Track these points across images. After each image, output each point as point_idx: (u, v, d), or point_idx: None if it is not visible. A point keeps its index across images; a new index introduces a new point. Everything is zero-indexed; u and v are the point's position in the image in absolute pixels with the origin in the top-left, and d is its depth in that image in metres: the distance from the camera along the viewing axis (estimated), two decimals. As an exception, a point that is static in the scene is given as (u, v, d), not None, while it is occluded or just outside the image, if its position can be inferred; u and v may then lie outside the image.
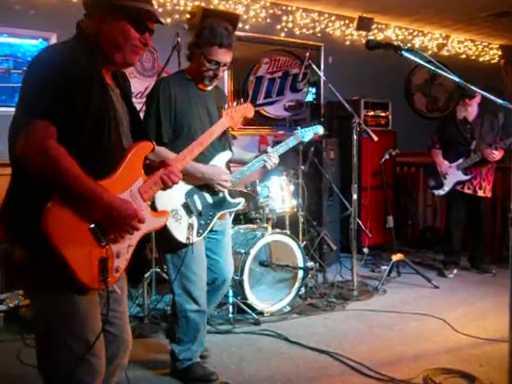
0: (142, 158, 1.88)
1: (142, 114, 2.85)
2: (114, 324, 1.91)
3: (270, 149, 3.10)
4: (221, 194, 2.94)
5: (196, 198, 2.88)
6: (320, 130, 3.43)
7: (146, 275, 4.32)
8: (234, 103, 2.74)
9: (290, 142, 3.26)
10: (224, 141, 2.97)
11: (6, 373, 3.15)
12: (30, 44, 4.52)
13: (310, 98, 6.59)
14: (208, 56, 2.76)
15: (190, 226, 2.81)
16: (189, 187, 2.85)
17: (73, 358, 1.68)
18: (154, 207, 2.59)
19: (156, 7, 5.17)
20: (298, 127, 3.39)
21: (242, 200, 3.11)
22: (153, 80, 4.00)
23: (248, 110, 2.55)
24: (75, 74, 1.65)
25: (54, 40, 4.55)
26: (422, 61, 2.33)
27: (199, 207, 2.87)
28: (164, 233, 2.76)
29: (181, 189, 2.81)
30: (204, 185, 2.88)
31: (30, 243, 1.64)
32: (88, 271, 1.65)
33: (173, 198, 2.79)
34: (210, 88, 2.92)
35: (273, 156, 3.06)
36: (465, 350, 3.43)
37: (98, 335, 1.71)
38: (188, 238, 2.79)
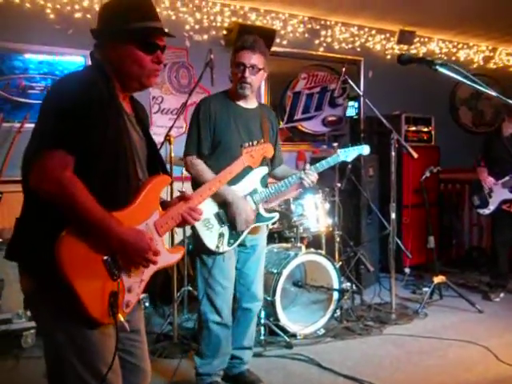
0: (160, 192, 1.83)
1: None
2: (133, 354, 1.86)
3: (307, 166, 3.05)
4: (254, 207, 2.93)
5: (228, 209, 2.88)
6: (366, 150, 3.31)
7: (178, 293, 4.28)
8: (255, 142, 2.78)
9: (331, 161, 3.17)
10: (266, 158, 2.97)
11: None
12: (69, 61, 4.61)
13: (351, 113, 6.47)
14: (235, 61, 2.90)
15: (221, 235, 2.86)
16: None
17: None
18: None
19: (192, 24, 5.20)
20: (341, 148, 3.26)
21: (276, 215, 3.10)
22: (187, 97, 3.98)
23: (268, 149, 2.56)
24: (93, 102, 1.61)
25: (91, 58, 4.62)
26: (459, 76, 2.19)
27: (231, 218, 2.88)
28: (196, 241, 2.89)
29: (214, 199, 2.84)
30: None
31: (40, 273, 1.60)
32: (98, 305, 1.60)
33: (206, 206, 2.80)
34: (246, 96, 2.95)
35: (311, 173, 2.99)
36: (509, 381, 3.22)
37: (110, 366, 1.64)
38: (218, 247, 2.85)
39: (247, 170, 2.78)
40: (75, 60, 4.62)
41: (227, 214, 2.88)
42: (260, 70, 2.90)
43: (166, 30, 1.82)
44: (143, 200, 1.74)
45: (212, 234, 2.86)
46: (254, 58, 2.86)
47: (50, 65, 4.53)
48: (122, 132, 1.71)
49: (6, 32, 4.33)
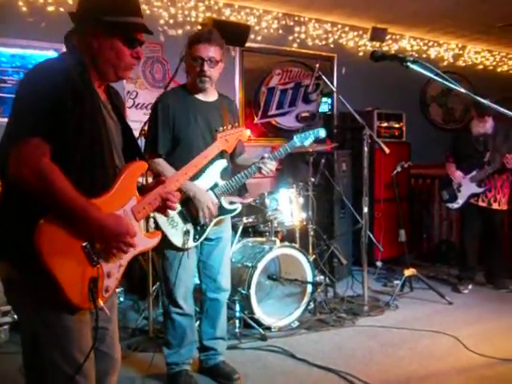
0: (136, 178, 1.85)
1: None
2: (104, 342, 1.87)
3: (266, 154, 3.07)
4: (215, 201, 2.95)
5: (191, 205, 2.91)
6: (322, 133, 3.29)
7: (153, 289, 4.28)
8: (229, 126, 2.75)
9: (288, 147, 3.16)
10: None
11: (7, 385, 3.13)
12: (41, 55, 4.54)
13: (325, 108, 6.53)
14: (191, 55, 2.90)
15: (187, 232, 2.90)
16: (185, 196, 2.87)
17: (61, 377, 1.64)
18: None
19: (154, 21, 5.18)
20: (297, 133, 3.28)
21: (238, 206, 3.12)
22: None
23: (243, 133, 2.59)
24: (67, 91, 1.61)
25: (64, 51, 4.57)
26: (429, 73, 2.26)
27: (195, 214, 2.91)
28: (162, 238, 2.81)
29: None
30: None
31: (19, 260, 1.60)
32: (78, 290, 1.61)
33: None
34: (205, 89, 2.96)
35: (269, 162, 3.00)
36: (478, 370, 3.31)
37: (87, 355, 1.66)
38: (184, 243, 2.89)
39: (207, 164, 2.80)
40: (48, 54, 4.55)
41: (190, 209, 2.91)
42: (218, 62, 2.91)
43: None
44: (120, 186, 1.75)
45: (177, 232, 2.89)
46: (212, 51, 2.86)
47: (22, 58, 4.47)
48: (98, 119, 1.72)
49: (-22, 25, 4.26)
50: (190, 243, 2.92)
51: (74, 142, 1.63)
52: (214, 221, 2.99)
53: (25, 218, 1.57)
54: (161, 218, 2.83)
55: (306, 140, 3.22)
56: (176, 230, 2.89)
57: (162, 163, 2.90)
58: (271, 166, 3.02)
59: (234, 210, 3.09)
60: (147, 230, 2.48)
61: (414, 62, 2.18)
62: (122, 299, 4.37)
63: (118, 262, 1.75)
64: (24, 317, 1.71)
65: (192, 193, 2.85)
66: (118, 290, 4.22)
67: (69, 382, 1.63)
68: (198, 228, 2.94)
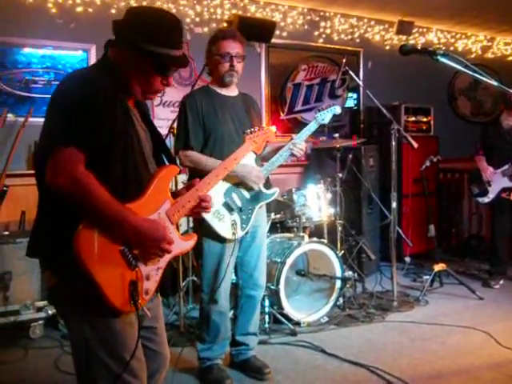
0: (169, 181, 1.88)
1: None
2: (153, 340, 1.91)
3: (294, 136, 3.14)
4: (256, 188, 3.00)
5: (234, 195, 2.98)
6: (337, 109, 3.34)
7: (183, 284, 4.34)
8: (256, 127, 2.78)
9: (312, 127, 3.23)
10: None
11: (43, 379, 3.20)
12: (70, 55, 4.63)
13: (351, 103, 6.50)
14: (218, 52, 2.96)
15: (234, 223, 2.94)
16: (226, 186, 2.95)
17: (110, 377, 1.68)
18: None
19: (193, 17, 5.22)
20: (318, 111, 3.35)
21: (276, 190, 3.17)
22: (190, 89, 4.01)
23: (270, 134, 2.67)
24: (100, 101, 1.64)
25: (93, 51, 4.66)
26: (459, 66, 2.24)
27: (239, 203, 2.98)
28: (209, 232, 2.94)
29: (219, 189, 2.91)
30: (239, 182, 2.98)
31: (61, 267, 1.64)
32: (119, 294, 1.64)
33: (213, 199, 2.81)
34: (232, 84, 3.05)
35: (298, 143, 3.08)
36: (510, 365, 3.27)
37: (133, 352, 1.67)
38: (234, 234, 2.93)
39: None
40: (77, 54, 4.64)
41: (236, 197, 2.96)
42: (244, 57, 3.00)
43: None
44: (153, 190, 1.77)
45: (225, 224, 2.93)
46: (238, 47, 2.97)
47: (52, 59, 4.54)
48: (129, 127, 1.75)
49: (9, 27, 4.35)
50: (239, 233, 2.97)
51: (107, 149, 1.66)
52: (258, 206, 3.05)
53: (63, 224, 1.59)
54: (207, 215, 2.86)
55: (325, 117, 3.26)
56: (223, 222, 2.92)
57: (195, 154, 2.96)
58: (301, 146, 3.08)
59: (273, 194, 3.14)
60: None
61: (443, 54, 2.16)
62: (152, 295, 4.40)
63: (156, 264, 1.76)
64: (71, 323, 1.74)
65: (236, 169, 2.80)
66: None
67: (117, 380, 1.66)
68: (244, 217, 2.99)
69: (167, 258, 1.80)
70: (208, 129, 2.98)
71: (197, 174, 2.94)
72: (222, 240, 2.96)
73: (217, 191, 2.86)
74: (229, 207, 2.94)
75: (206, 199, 1.94)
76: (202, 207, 1.94)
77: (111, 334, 1.68)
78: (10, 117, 4.32)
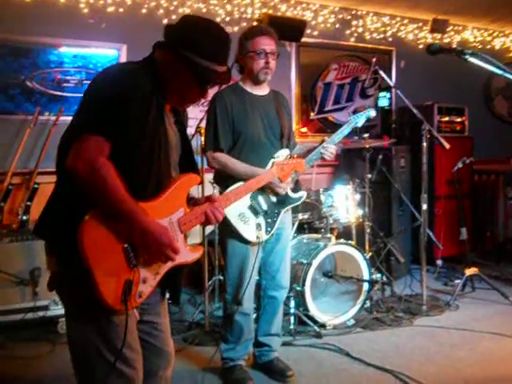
0: (188, 190, 1.86)
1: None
2: (155, 336, 1.91)
3: (326, 138, 3.11)
4: (282, 193, 2.98)
5: (260, 198, 2.96)
6: (372, 112, 3.28)
7: (209, 282, 4.35)
8: (288, 157, 2.77)
9: (345, 130, 3.18)
10: (283, 142, 3.06)
11: (71, 374, 3.20)
12: (102, 55, 4.69)
13: (384, 103, 6.39)
14: (253, 48, 2.90)
15: (258, 226, 2.92)
16: None
17: (105, 366, 1.68)
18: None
19: (223, 16, 5.22)
20: (351, 114, 3.30)
21: (304, 193, 3.15)
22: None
23: (299, 166, 2.60)
24: (135, 98, 1.65)
25: (124, 51, 4.70)
26: (490, 66, 2.16)
27: (264, 207, 2.96)
28: (234, 235, 2.94)
29: None
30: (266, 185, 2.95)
31: (64, 253, 1.65)
32: (112, 290, 1.63)
33: (239, 201, 2.81)
34: (266, 82, 3.02)
35: (329, 146, 3.03)
36: (543, 375, 3.17)
37: (123, 342, 1.67)
38: (258, 237, 2.91)
39: (266, 154, 2.93)
40: (108, 53, 4.70)
41: (262, 200, 2.94)
42: (278, 55, 2.97)
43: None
44: (170, 195, 1.77)
45: (250, 227, 2.91)
46: (273, 44, 2.93)
47: (83, 58, 4.61)
48: (160, 127, 1.75)
49: (42, 27, 4.42)
50: (263, 236, 2.94)
51: (134, 145, 1.67)
52: (284, 210, 3.03)
53: (72, 211, 1.60)
54: (232, 217, 2.87)
55: (359, 121, 3.21)
56: (248, 225, 2.91)
57: (223, 157, 2.94)
58: (332, 150, 3.04)
59: (300, 198, 3.12)
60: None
61: (472, 54, 2.09)
62: (179, 293, 4.43)
63: (156, 269, 1.75)
64: (69, 309, 1.76)
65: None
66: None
67: (112, 369, 1.67)
68: (269, 220, 2.97)
69: (168, 265, 1.78)
70: (237, 130, 2.94)
71: (223, 175, 2.96)
72: (246, 242, 2.95)
73: None
74: (254, 210, 2.93)
75: (219, 211, 1.91)
76: (214, 218, 1.91)
77: (108, 324, 1.68)
78: (43, 116, 4.40)
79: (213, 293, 4.44)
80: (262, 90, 3.06)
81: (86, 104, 1.70)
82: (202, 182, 1.95)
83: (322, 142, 3.07)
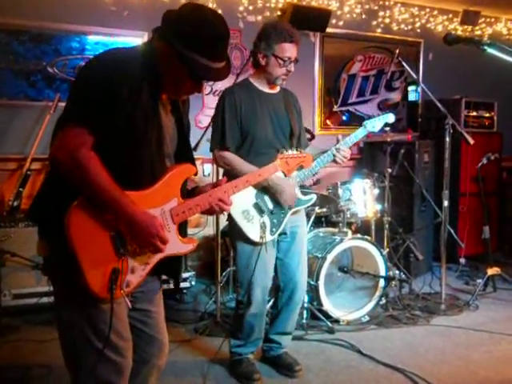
0: (182, 180, 1.81)
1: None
2: (148, 324, 1.89)
3: (340, 136, 3.01)
4: (286, 206, 2.90)
5: (266, 197, 2.89)
6: (390, 118, 3.16)
7: (224, 274, 4.34)
8: (294, 150, 2.45)
9: (359, 134, 3.07)
10: (293, 141, 2.98)
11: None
12: (124, 42, 4.68)
13: (413, 97, 6.24)
14: (279, 54, 2.80)
15: (263, 225, 2.84)
16: (258, 187, 2.84)
17: (94, 354, 1.67)
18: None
19: (246, 5, 5.16)
20: (368, 119, 3.18)
21: (313, 196, 3.05)
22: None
23: (306, 160, 2.39)
24: (124, 80, 1.61)
25: (145, 39, 4.69)
26: (510, 57, 2.07)
27: (270, 206, 2.89)
28: (238, 233, 2.88)
29: (250, 189, 2.80)
30: None
31: (53, 238, 1.64)
32: (99, 278, 1.61)
33: (243, 198, 2.80)
34: (278, 87, 2.97)
35: (342, 149, 2.92)
36: (561, 382, 3.05)
37: (109, 326, 1.65)
38: (262, 237, 2.83)
39: (273, 152, 2.73)
40: (130, 41, 4.68)
41: (268, 199, 2.87)
42: (297, 60, 2.89)
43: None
44: (163, 185, 1.74)
45: (254, 226, 2.84)
46: (296, 51, 2.85)
47: (105, 46, 4.61)
48: (152, 115, 1.71)
49: (64, 14, 4.45)
50: (268, 236, 2.86)
51: (124, 132, 1.64)
52: (291, 211, 2.94)
53: (62, 197, 1.59)
54: (236, 213, 2.81)
55: (375, 125, 3.10)
56: (252, 223, 2.84)
57: (230, 156, 2.87)
58: (345, 153, 2.93)
59: (309, 200, 3.03)
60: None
61: (491, 44, 2.01)
62: (193, 283, 4.43)
63: (145, 260, 1.73)
64: (58, 295, 1.75)
65: (268, 181, 2.79)
66: (189, 274, 4.35)
67: (101, 357, 1.66)
68: (275, 220, 2.89)
69: (159, 256, 1.75)
70: (245, 128, 2.88)
71: (232, 174, 2.88)
72: (251, 242, 2.87)
73: (248, 191, 2.73)
74: (259, 209, 2.86)
75: (225, 202, 1.87)
76: (221, 208, 1.87)
77: (97, 311, 1.67)
78: (63, 102, 4.42)
79: (227, 284, 4.43)
80: (273, 89, 2.98)
81: (74, 92, 1.67)
82: (197, 173, 1.89)
83: (336, 143, 2.96)
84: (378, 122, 3.10)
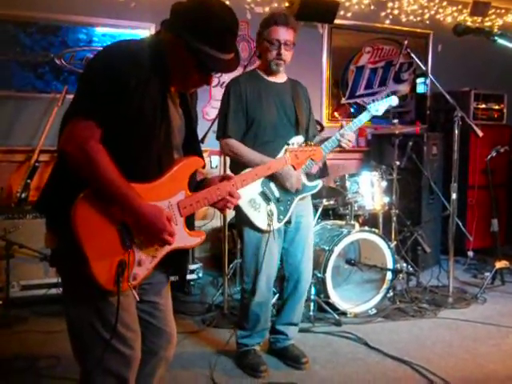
0: (190, 173, 1.80)
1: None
2: (156, 316, 1.89)
3: (344, 122, 2.97)
4: (292, 191, 2.91)
5: (272, 185, 2.90)
6: (394, 100, 3.13)
7: (231, 265, 4.34)
8: (303, 144, 2.51)
9: (363, 117, 3.06)
10: (299, 129, 2.98)
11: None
12: (131, 34, 4.68)
13: (422, 89, 6.20)
14: (268, 37, 2.85)
15: (270, 213, 2.85)
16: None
17: (102, 345, 1.67)
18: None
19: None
20: (371, 101, 3.16)
21: (319, 182, 3.06)
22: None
23: (316, 153, 2.35)
24: (132, 72, 1.61)
25: (153, 31, 4.68)
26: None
27: (276, 194, 2.90)
28: (245, 221, 2.90)
29: None
30: None
31: (61, 230, 1.64)
32: (105, 270, 1.61)
33: (249, 187, 2.74)
34: (279, 73, 2.96)
35: (346, 134, 2.94)
36: None
37: (116, 318, 1.65)
38: (269, 225, 2.84)
39: (279, 141, 2.85)
40: (137, 33, 4.68)
41: (274, 187, 2.88)
42: (293, 45, 2.88)
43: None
44: (170, 178, 1.73)
45: (261, 214, 2.86)
46: (289, 34, 2.84)
47: (113, 37, 4.61)
48: (160, 108, 1.70)
49: (71, 5, 4.45)
50: (275, 224, 2.88)
51: (131, 125, 1.63)
52: (298, 198, 2.95)
53: (69, 188, 1.59)
54: (243, 202, 2.81)
55: (379, 108, 3.08)
56: (259, 212, 2.86)
57: (237, 144, 2.89)
58: (349, 137, 2.95)
59: (315, 186, 3.04)
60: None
61: (501, 35, 1.99)
62: (200, 275, 4.44)
63: (152, 253, 1.72)
64: (66, 287, 1.75)
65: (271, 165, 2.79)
66: (196, 266, 4.36)
67: (109, 348, 1.66)
68: (282, 208, 2.90)
69: (166, 249, 1.74)
70: (251, 117, 2.89)
71: (238, 162, 2.90)
72: (258, 230, 2.89)
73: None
74: (266, 197, 2.87)
75: (234, 196, 1.87)
76: (229, 202, 1.86)
77: (105, 304, 1.67)
78: (70, 94, 4.43)
79: (234, 276, 4.43)
80: (279, 78, 3.00)
81: (82, 84, 1.67)
82: (205, 166, 1.88)
83: (340, 129, 2.97)
84: (381, 105, 3.08)
